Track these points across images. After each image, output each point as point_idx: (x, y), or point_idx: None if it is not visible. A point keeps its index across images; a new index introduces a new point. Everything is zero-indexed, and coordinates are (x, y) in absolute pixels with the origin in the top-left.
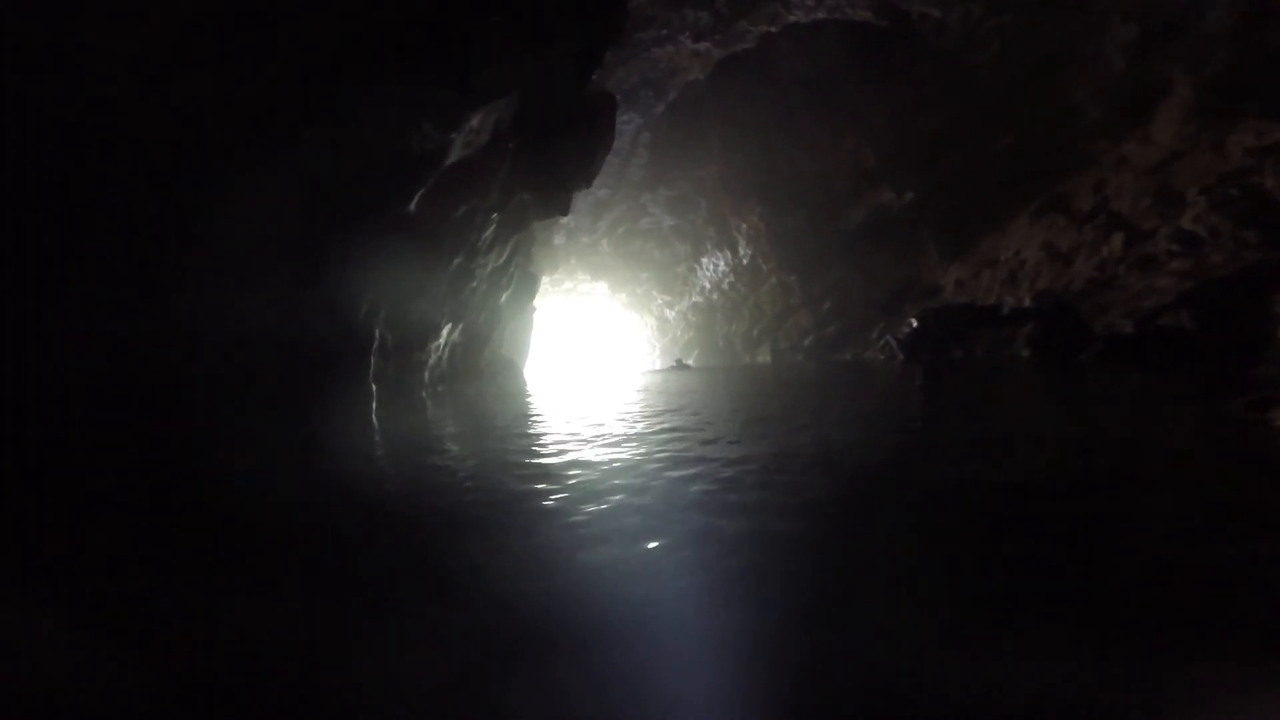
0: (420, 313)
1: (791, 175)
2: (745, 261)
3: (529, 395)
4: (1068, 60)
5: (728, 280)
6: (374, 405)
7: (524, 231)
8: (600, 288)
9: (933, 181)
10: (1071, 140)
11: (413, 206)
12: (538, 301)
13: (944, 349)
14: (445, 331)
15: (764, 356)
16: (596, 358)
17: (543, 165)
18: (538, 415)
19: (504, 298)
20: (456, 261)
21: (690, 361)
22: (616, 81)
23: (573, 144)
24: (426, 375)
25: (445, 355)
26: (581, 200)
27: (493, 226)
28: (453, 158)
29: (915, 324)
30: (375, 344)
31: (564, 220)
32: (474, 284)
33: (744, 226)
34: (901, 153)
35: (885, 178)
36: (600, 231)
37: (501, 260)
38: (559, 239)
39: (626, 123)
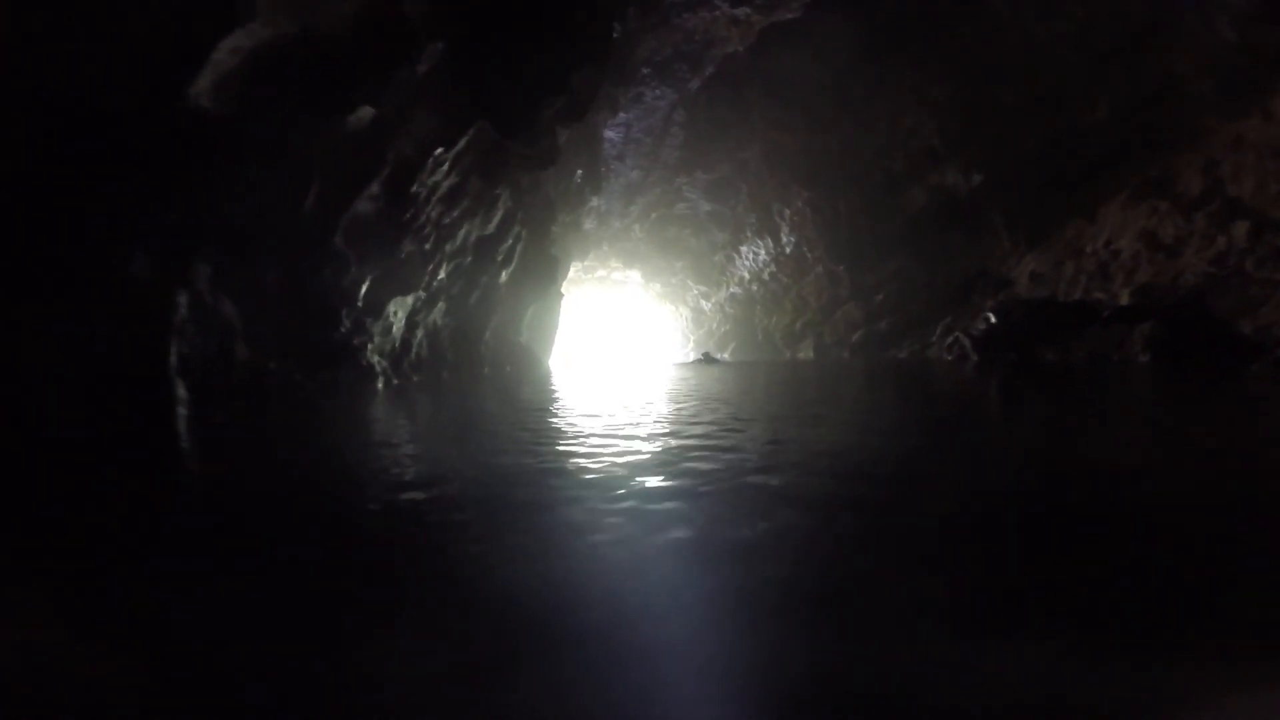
0: (296, 272)
1: (842, 156)
2: (788, 250)
3: (524, 388)
4: (1165, 30)
5: (769, 270)
6: (183, 413)
7: (516, 192)
8: (633, 276)
9: (1005, 162)
10: (1173, 117)
11: (201, 98)
12: (568, 289)
13: (1030, 350)
14: (399, 309)
15: (806, 352)
16: (627, 349)
17: (500, 80)
18: (494, 423)
19: (504, 276)
20: (364, 206)
21: (726, 355)
22: (646, 52)
23: (542, 51)
24: (377, 363)
25: (420, 339)
26: (613, 182)
27: (444, 168)
28: (266, 28)
29: (992, 319)
30: (180, 315)
31: (594, 202)
32: (427, 246)
33: (788, 212)
34: (969, 130)
35: (950, 158)
36: (633, 216)
37: (490, 228)
38: (589, 223)
39: (659, 98)
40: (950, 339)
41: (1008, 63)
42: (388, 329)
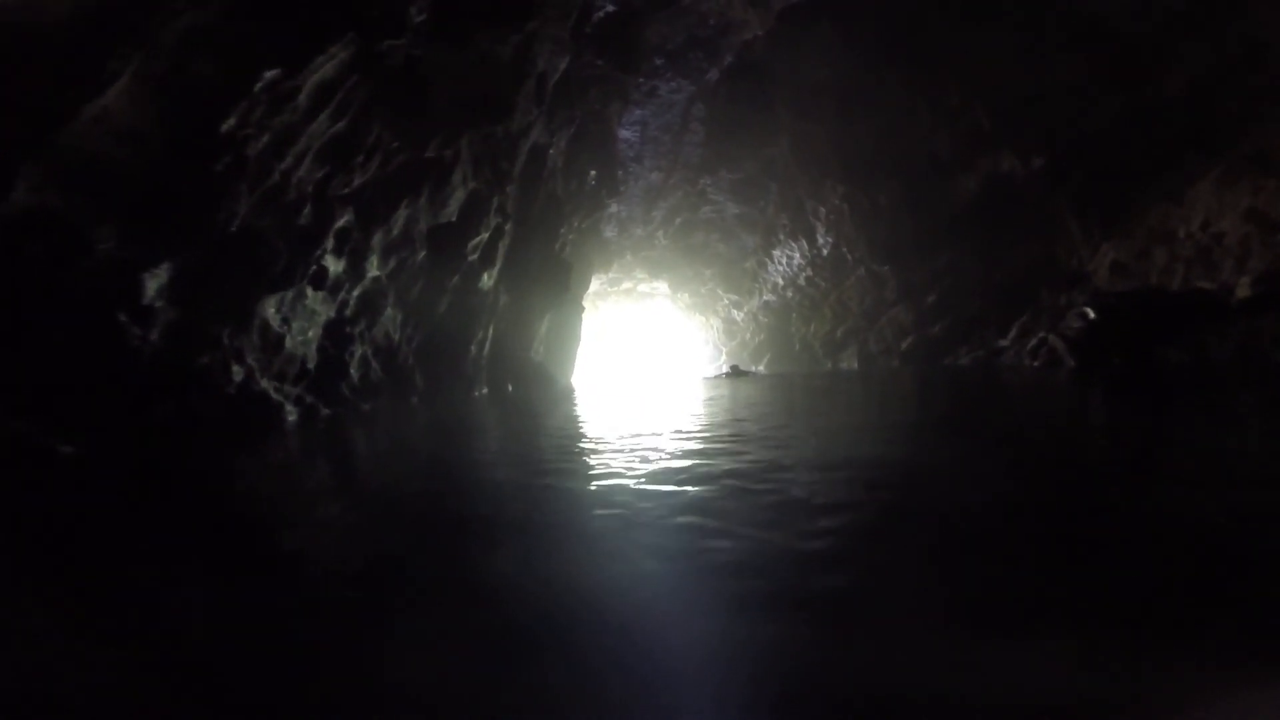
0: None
1: (880, 146)
2: (825, 251)
3: (507, 419)
4: None
5: (804, 274)
6: None
7: (491, 172)
8: (660, 287)
9: (1069, 143)
10: (1263, 87)
11: None
12: (593, 303)
13: (1145, 350)
14: (296, 316)
15: (850, 362)
16: (657, 364)
17: None
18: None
19: (488, 278)
20: (100, 143)
21: (760, 367)
22: (657, 39)
23: None
24: (273, 391)
25: (360, 356)
26: (632, 185)
27: (296, 104)
28: None
29: (1091, 315)
30: None
31: (612, 208)
32: (301, 220)
33: (823, 210)
34: (1025, 110)
35: (1004, 141)
36: (655, 222)
37: (449, 214)
38: (609, 230)
39: (675, 91)
40: (1034, 341)
41: (1064, 37)
42: (275, 343)
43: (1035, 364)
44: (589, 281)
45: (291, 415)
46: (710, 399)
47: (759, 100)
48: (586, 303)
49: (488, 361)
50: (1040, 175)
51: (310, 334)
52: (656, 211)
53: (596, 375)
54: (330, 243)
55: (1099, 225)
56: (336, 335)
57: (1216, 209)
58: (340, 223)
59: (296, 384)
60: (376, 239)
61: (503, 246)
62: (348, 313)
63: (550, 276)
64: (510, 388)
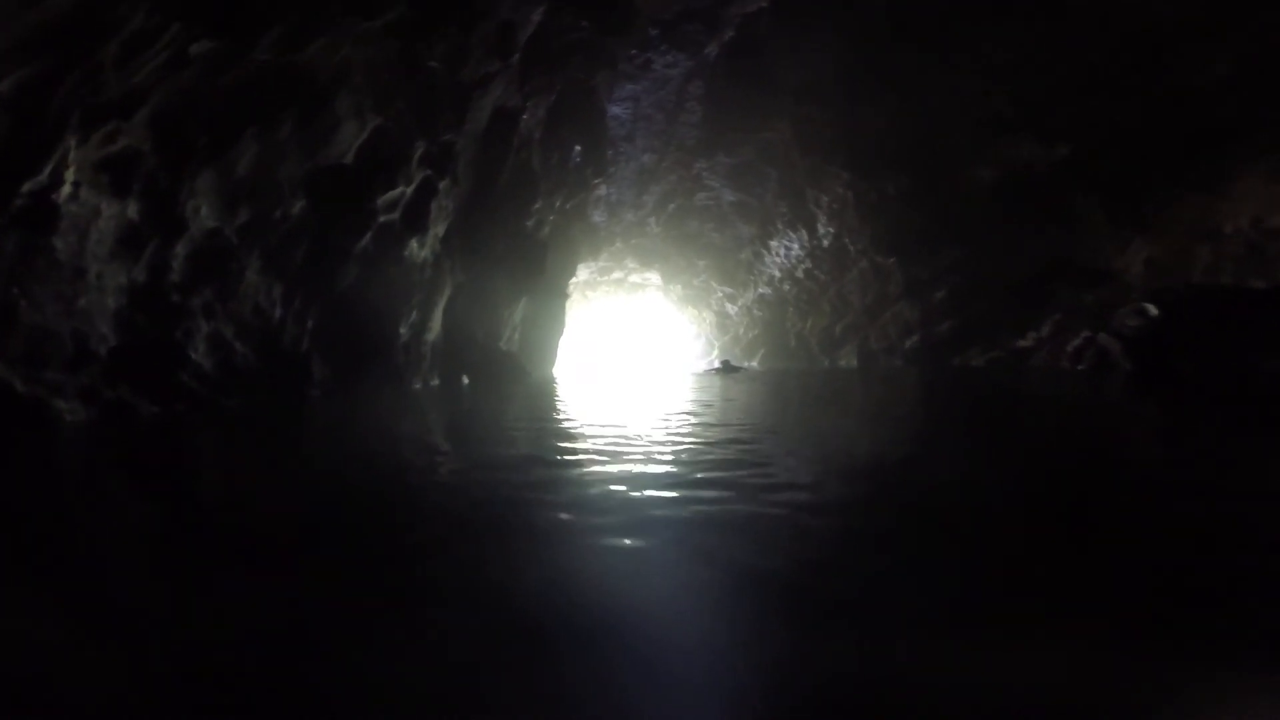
0: None
1: (889, 131)
2: (826, 242)
3: (409, 425)
4: None
5: (803, 266)
6: None
7: (408, 110)
8: (652, 278)
9: (1099, 129)
10: None
11: None
12: (582, 293)
13: (1226, 357)
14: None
15: (849, 360)
16: (647, 358)
17: None
18: None
19: (420, 249)
20: None
21: (754, 363)
22: (652, 9)
23: None
24: (20, 382)
25: (208, 334)
26: (622, 166)
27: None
28: None
29: (1153, 312)
30: None
31: (601, 190)
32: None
33: (824, 199)
34: (1049, 96)
35: (1026, 127)
36: (647, 207)
37: (340, 154)
38: (598, 214)
39: (671, 66)
40: (1078, 341)
41: (1096, 17)
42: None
43: (1080, 367)
44: (574, 268)
45: (73, 414)
46: (696, 402)
47: (760, 80)
48: (575, 292)
49: (436, 349)
50: (1064, 165)
51: (83, 302)
52: (648, 196)
53: (581, 367)
54: (71, 171)
55: (1129, 219)
56: (156, 307)
57: (1269, 201)
58: (113, 147)
59: (74, 372)
60: (205, 178)
61: (438, 208)
62: (173, 277)
63: (522, 258)
64: (465, 380)
